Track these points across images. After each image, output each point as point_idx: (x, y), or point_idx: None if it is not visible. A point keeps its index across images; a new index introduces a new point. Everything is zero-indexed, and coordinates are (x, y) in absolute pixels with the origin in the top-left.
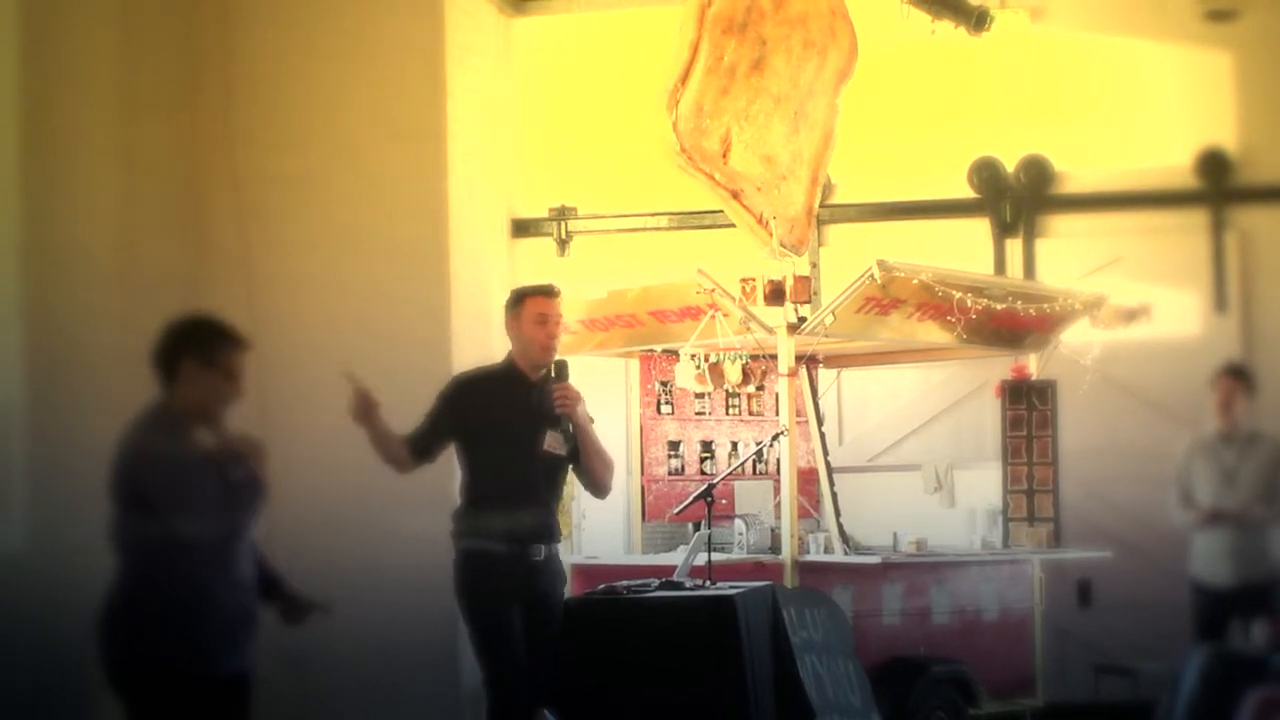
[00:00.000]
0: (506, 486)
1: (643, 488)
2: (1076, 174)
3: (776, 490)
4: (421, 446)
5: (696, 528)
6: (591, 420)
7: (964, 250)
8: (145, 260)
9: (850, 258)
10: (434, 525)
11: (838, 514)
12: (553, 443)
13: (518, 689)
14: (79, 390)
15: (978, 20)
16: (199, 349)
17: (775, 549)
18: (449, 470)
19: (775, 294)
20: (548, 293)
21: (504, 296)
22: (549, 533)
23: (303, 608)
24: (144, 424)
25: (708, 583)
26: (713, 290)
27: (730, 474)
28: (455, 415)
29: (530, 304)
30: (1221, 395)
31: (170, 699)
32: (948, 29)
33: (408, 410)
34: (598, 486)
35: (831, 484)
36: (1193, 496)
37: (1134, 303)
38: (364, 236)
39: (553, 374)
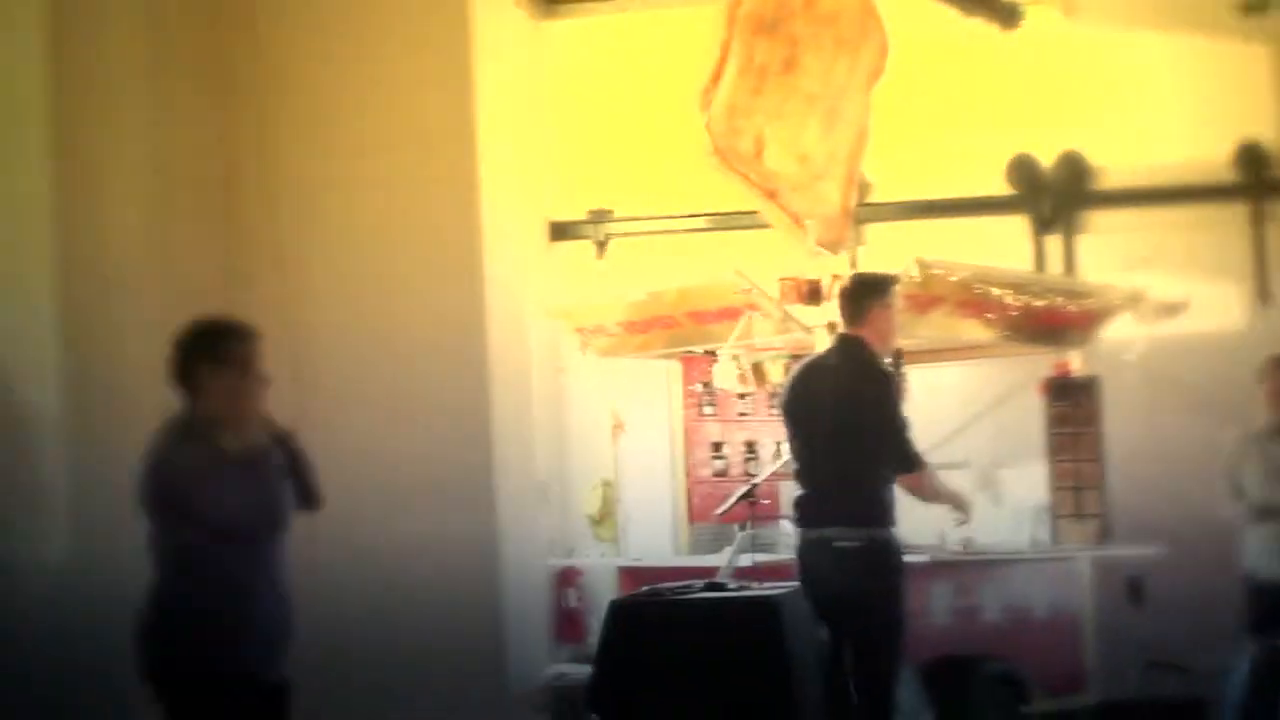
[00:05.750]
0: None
1: (688, 489)
2: (1114, 169)
3: None
4: None
5: (744, 528)
6: None
7: (1002, 247)
8: (178, 268)
9: (888, 256)
10: (474, 523)
11: None
12: None
13: None
14: (114, 399)
15: (1008, 16)
16: (211, 352)
17: None
18: (486, 467)
19: (813, 294)
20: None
21: (541, 300)
22: None
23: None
24: (168, 434)
25: (752, 584)
26: (750, 290)
27: (773, 474)
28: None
29: (894, 292)
30: (1272, 386)
31: (208, 706)
32: (981, 25)
33: (442, 418)
34: None
35: None
36: (1243, 490)
37: (1172, 298)
38: (397, 241)
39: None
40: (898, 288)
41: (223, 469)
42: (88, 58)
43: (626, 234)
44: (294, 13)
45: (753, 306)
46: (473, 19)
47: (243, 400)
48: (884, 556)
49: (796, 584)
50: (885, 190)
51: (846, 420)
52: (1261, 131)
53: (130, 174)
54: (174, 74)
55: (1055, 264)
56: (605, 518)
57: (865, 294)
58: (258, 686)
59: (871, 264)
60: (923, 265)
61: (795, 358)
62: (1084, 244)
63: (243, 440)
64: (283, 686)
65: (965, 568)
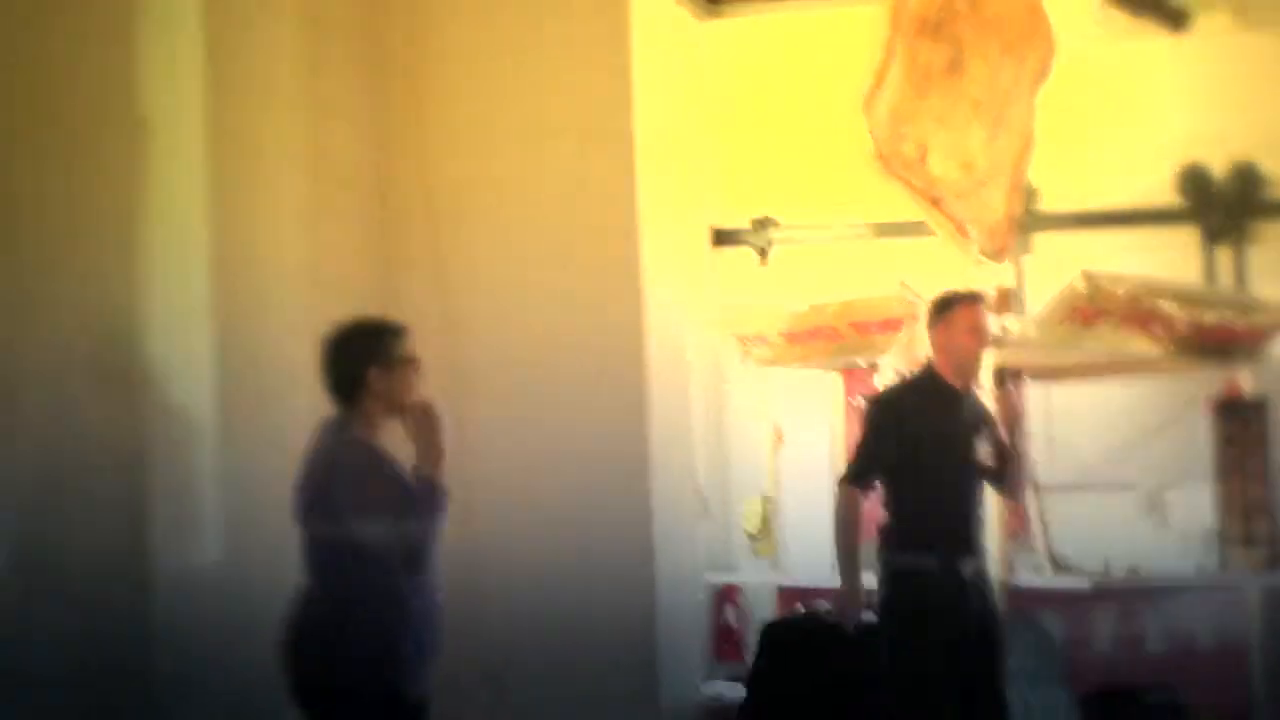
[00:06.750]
0: (939, 501)
1: None
2: None
3: None
4: (862, 482)
5: None
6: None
7: (1171, 258)
8: (335, 268)
9: (1055, 266)
10: (630, 536)
11: (1047, 535)
12: (986, 454)
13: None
14: (268, 400)
15: (1177, 19)
16: (377, 353)
17: None
18: (643, 478)
19: None
20: (977, 300)
21: (702, 307)
22: (978, 546)
23: None
24: (329, 436)
25: None
26: (914, 301)
27: None
28: (890, 437)
29: (961, 312)
30: None
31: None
32: (1149, 29)
33: (600, 422)
34: (1016, 493)
35: (1040, 504)
36: None
37: None
38: (553, 244)
39: (994, 382)
40: (970, 306)
41: (382, 475)
42: (244, 58)
43: (790, 241)
44: (451, 12)
45: (915, 317)
46: (632, 18)
47: (407, 395)
48: (882, 583)
49: None
50: (1053, 198)
51: None
52: None
53: (286, 175)
54: (330, 74)
55: (1226, 277)
56: (765, 533)
57: (931, 315)
58: (404, 701)
59: (1037, 273)
60: (1088, 277)
61: None
62: (1255, 256)
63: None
64: (423, 704)
65: (1128, 595)
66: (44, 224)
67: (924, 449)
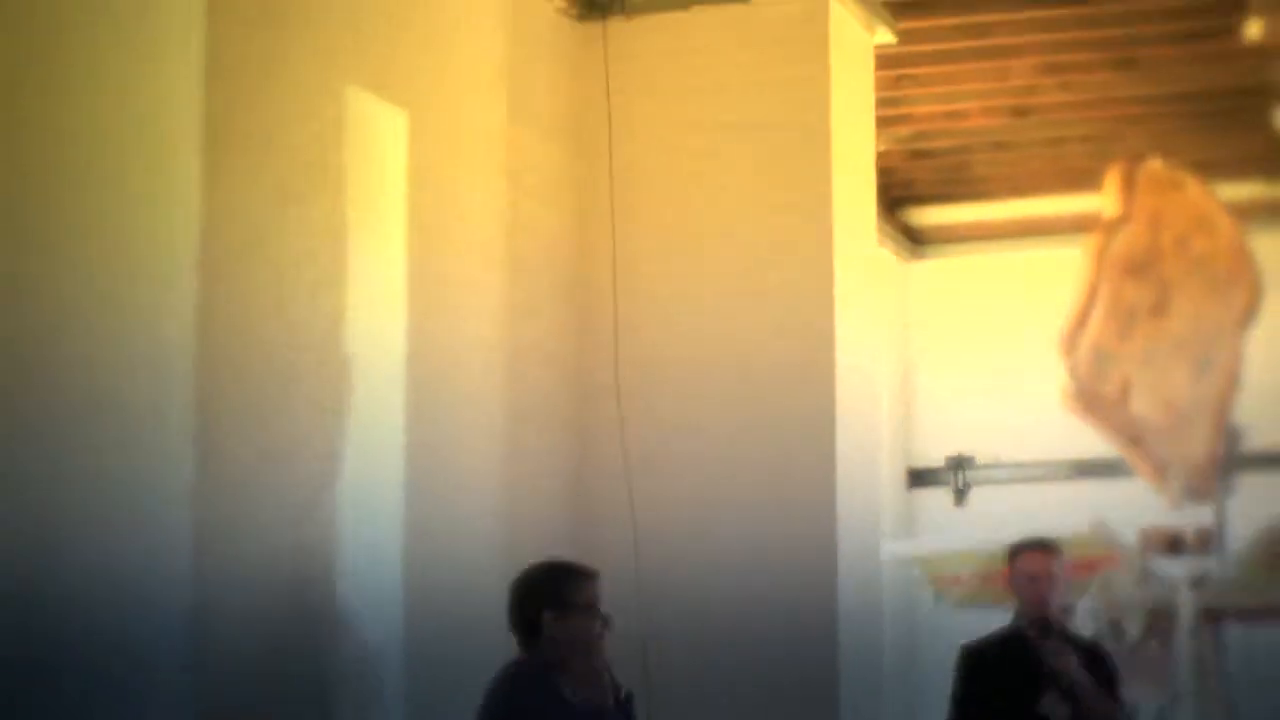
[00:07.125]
0: None
1: None
2: None
3: None
4: None
5: None
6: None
7: None
8: (529, 511)
9: (1261, 507)
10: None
11: None
12: (1050, 703)
13: None
14: (457, 641)
15: None
16: (555, 597)
17: None
18: (832, 715)
19: (1175, 546)
20: (1039, 548)
21: (897, 547)
22: None
23: None
24: (509, 679)
25: None
26: (1111, 542)
27: None
28: (975, 687)
29: (1022, 560)
30: None
31: None
32: None
33: (791, 664)
34: None
35: None
36: None
37: None
38: (751, 488)
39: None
40: (1030, 554)
41: (560, 712)
42: (447, 303)
43: (986, 482)
44: (651, 258)
45: (1113, 559)
46: (836, 257)
47: (586, 645)
48: None
49: None
50: (1260, 437)
51: None
52: None
53: (484, 418)
54: (530, 318)
55: None
56: None
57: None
58: None
59: (1241, 516)
60: None
61: (1155, 612)
62: None
63: (587, 688)
64: None
65: None
66: (251, 456)
67: (996, 700)
